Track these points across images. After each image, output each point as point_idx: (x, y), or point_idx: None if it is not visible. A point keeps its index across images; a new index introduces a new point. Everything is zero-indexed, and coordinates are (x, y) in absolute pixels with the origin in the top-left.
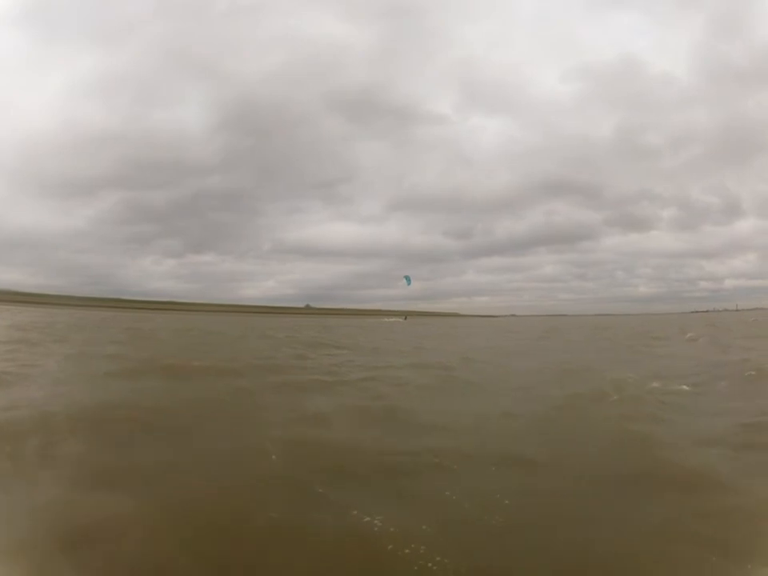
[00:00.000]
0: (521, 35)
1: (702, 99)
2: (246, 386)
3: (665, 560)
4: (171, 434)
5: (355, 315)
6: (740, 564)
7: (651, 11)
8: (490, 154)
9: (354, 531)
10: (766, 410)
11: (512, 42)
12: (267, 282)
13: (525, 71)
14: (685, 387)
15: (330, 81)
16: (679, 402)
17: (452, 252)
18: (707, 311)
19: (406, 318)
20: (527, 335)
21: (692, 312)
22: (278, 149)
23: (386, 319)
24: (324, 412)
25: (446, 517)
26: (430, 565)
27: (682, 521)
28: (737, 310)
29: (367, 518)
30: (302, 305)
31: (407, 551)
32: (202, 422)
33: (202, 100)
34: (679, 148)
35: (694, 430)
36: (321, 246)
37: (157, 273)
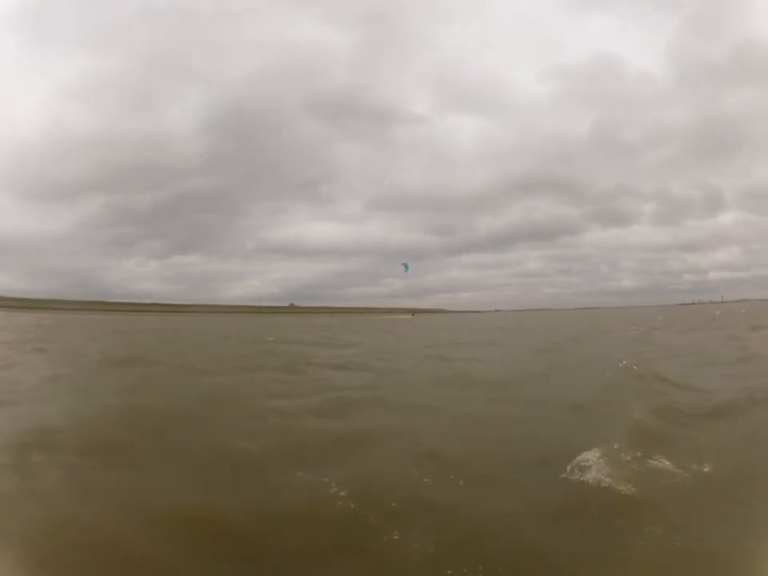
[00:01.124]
0: (499, 37)
1: (680, 97)
2: None
3: None
4: None
5: (346, 313)
6: None
7: (628, 13)
8: (469, 152)
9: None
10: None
11: (490, 43)
12: (252, 281)
13: (503, 72)
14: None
15: (311, 84)
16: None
17: (434, 249)
18: (693, 303)
19: (413, 315)
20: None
21: (678, 304)
22: (261, 150)
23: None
24: None
25: None
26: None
27: None
28: (722, 302)
29: None
30: (286, 304)
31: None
32: None
33: (186, 103)
34: (657, 144)
35: None
36: (304, 246)
37: (141, 274)
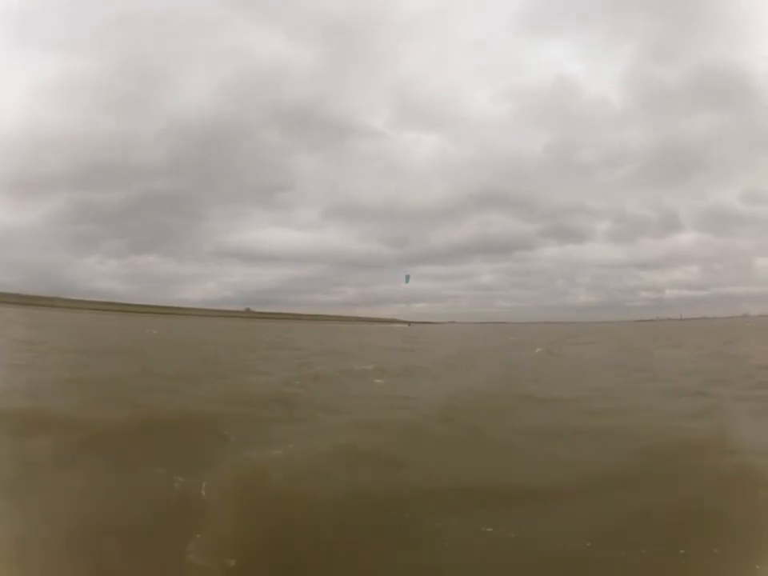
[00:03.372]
0: (457, 57)
1: (636, 120)
2: None
3: None
4: None
5: (311, 321)
6: None
7: (585, 38)
8: (424, 167)
9: None
10: None
11: (448, 63)
12: (207, 284)
13: (460, 91)
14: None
15: (272, 94)
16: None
17: (388, 259)
18: (652, 320)
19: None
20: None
21: (636, 321)
22: (222, 156)
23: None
24: None
25: None
26: None
27: None
28: (681, 320)
29: None
30: (242, 308)
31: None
32: None
33: (153, 106)
34: (613, 165)
35: None
36: (260, 251)
37: (101, 273)
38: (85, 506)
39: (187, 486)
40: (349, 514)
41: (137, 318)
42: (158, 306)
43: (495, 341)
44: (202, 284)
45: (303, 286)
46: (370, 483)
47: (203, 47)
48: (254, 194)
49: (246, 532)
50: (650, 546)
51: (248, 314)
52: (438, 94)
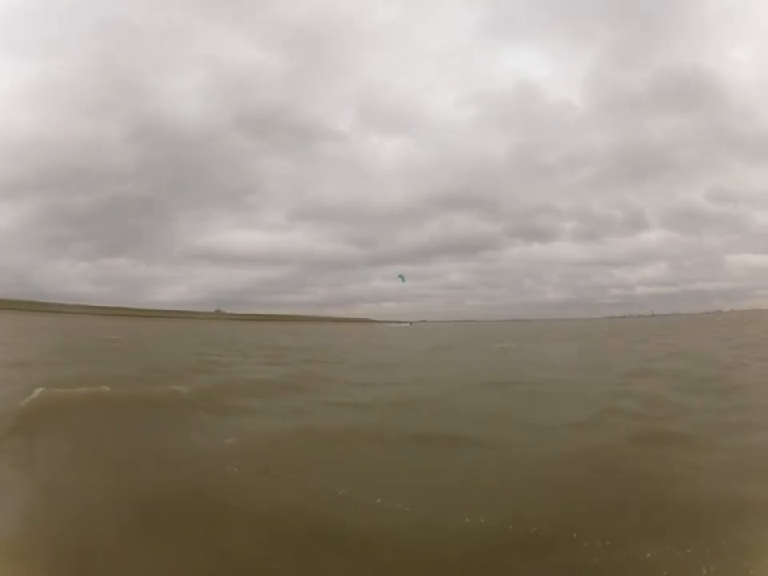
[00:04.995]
0: (422, 64)
1: (598, 123)
2: None
3: None
4: None
5: (286, 321)
6: None
7: (547, 44)
8: (389, 169)
9: None
10: None
11: (413, 70)
12: (177, 286)
13: (424, 96)
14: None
15: (240, 99)
16: None
17: (356, 260)
18: (623, 317)
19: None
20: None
21: (607, 318)
22: (190, 159)
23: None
24: None
25: None
26: None
27: None
28: (653, 316)
29: None
30: (212, 309)
31: None
32: None
33: (124, 111)
34: (577, 166)
35: None
36: (229, 252)
37: (71, 275)
38: None
39: None
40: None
41: (105, 321)
42: (128, 309)
43: (458, 339)
44: (172, 286)
45: (273, 286)
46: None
47: (175, 54)
48: (221, 197)
49: None
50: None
51: (218, 315)
52: (402, 100)
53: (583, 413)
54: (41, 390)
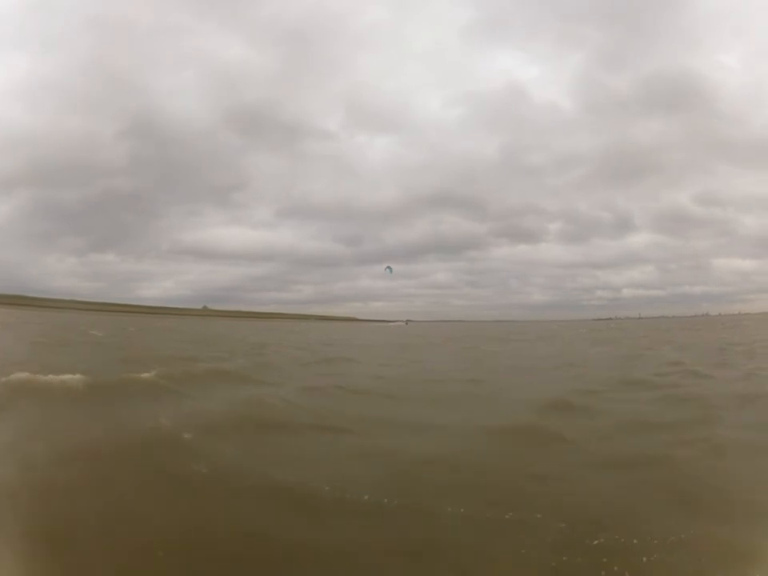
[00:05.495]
0: (410, 64)
1: (586, 125)
2: None
3: None
4: None
5: (277, 319)
6: None
7: (535, 46)
8: (376, 168)
9: None
10: None
11: (401, 70)
12: (165, 282)
13: (412, 96)
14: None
15: (230, 97)
16: None
17: (343, 258)
18: (610, 319)
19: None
20: None
21: (594, 320)
22: (179, 155)
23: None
24: None
25: None
26: None
27: None
28: (639, 318)
29: None
30: (199, 306)
31: None
32: None
33: (115, 107)
34: (564, 168)
35: None
36: (216, 249)
37: (60, 270)
38: None
39: None
40: None
41: (92, 316)
42: (115, 304)
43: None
44: (159, 282)
45: (260, 284)
46: None
47: (166, 51)
48: (209, 194)
49: None
50: None
51: (205, 312)
52: (390, 99)
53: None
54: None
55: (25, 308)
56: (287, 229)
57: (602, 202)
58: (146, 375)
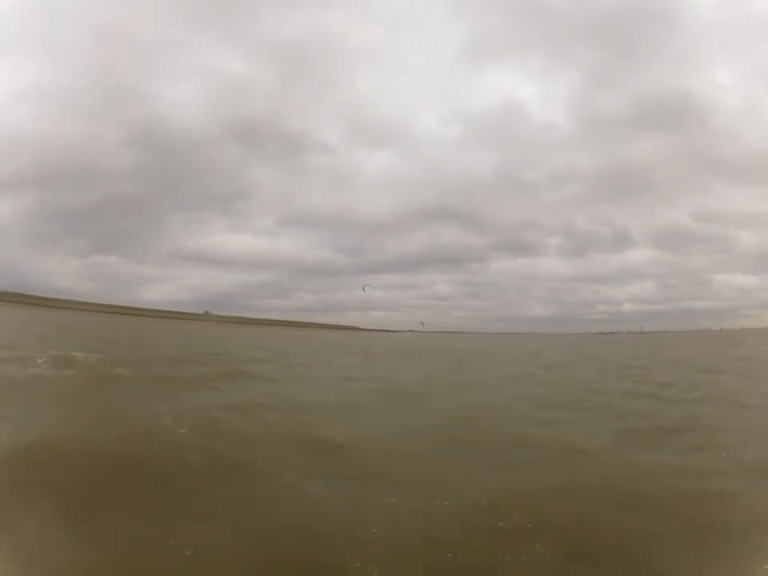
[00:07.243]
0: (408, 82)
1: (582, 143)
2: None
3: None
4: None
5: (282, 326)
6: None
7: (532, 66)
8: (375, 181)
9: None
10: None
11: (399, 87)
12: (166, 286)
13: (411, 113)
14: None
15: (233, 110)
16: None
17: (343, 267)
18: (612, 333)
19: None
20: None
21: (596, 333)
22: (182, 164)
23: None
24: None
25: None
26: None
27: None
28: (642, 333)
29: None
30: (200, 311)
31: None
32: None
33: (120, 115)
34: (561, 184)
35: None
36: (218, 255)
37: (62, 271)
38: None
39: None
40: None
41: (92, 317)
42: (116, 306)
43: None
44: (161, 286)
45: (261, 290)
46: None
47: (170, 63)
48: (212, 202)
49: None
50: None
51: (207, 317)
52: (388, 115)
53: None
54: None
55: (21, 305)
56: (288, 238)
57: (600, 217)
58: None
